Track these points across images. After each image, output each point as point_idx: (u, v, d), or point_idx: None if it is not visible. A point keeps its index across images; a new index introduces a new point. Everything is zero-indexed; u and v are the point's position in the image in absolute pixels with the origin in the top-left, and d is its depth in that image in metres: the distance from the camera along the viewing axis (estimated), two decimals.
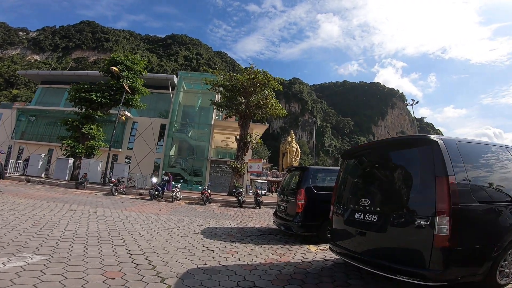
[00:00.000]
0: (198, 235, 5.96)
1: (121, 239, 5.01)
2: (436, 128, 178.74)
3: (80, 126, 20.65)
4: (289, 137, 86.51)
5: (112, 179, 15.00)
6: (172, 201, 13.17)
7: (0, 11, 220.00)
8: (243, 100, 20.43)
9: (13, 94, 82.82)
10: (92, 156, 21.53)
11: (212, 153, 27.97)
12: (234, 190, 14.43)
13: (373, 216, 3.24)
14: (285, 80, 21.09)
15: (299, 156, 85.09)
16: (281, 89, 21.51)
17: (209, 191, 13.86)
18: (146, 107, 30.66)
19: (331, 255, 4.91)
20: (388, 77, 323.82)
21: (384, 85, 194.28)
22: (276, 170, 72.06)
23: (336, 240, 4.01)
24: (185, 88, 32.24)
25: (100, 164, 19.95)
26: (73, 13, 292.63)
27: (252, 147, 21.42)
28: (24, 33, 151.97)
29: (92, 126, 20.94)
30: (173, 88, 30.45)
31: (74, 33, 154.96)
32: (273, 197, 24.65)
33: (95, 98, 20.68)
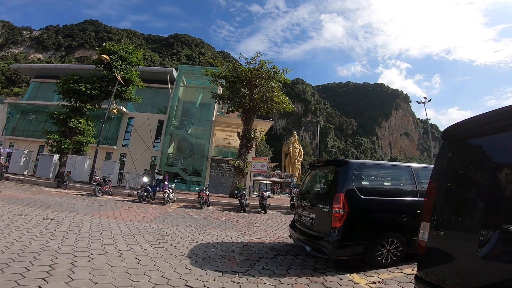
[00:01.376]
0: (183, 259, 3.98)
1: (50, 265, 3.06)
2: (441, 129, 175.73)
3: (67, 120, 18.83)
4: (292, 137, 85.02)
5: (97, 177, 13.09)
6: (164, 204, 11.22)
7: (5, 10, 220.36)
8: (247, 92, 18.48)
9: (14, 92, 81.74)
10: (83, 153, 19.71)
11: (212, 152, 26.03)
12: (236, 192, 12.50)
13: None
14: (288, 80, 19.17)
15: (301, 157, 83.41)
16: (288, 81, 19.57)
17: (207, 192, 11.90)
18: (142, 101, 29.09)
19: None
20: (392, 78, 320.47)
21: (388, 86, 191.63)
22: (279, 171, 70.14)
23: (437, 275, 2.08)
24: (185, 83, 30.46)
25: (88, 161, 18.06)
26: (77, 13, 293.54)
27: (256, 144, 19.44)
28: (28, 32, 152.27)
29: (80, 120, 19.06)
30: (172, 83, 28.63)
31: (77, 32, 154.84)
32: (278, 199, 22.62)
33: (84, 90, 18.86)
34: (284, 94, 19.96)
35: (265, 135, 20.76)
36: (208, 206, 12.13)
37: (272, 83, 18.51)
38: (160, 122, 27.20)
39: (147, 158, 25.27)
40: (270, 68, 18.66)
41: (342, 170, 4.08)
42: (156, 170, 16.46)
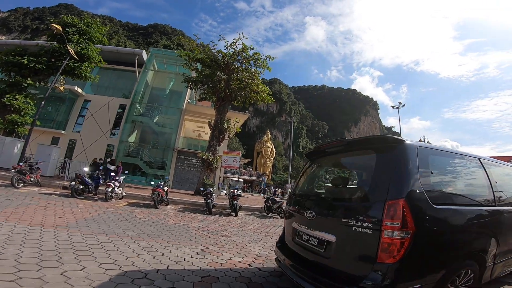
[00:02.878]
0: None
1: None
2: (404, 137, 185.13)
3: (1, 95, 15.46)
4: (265, 136, 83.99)
5: (21, 164, 10.16)
6: (106, 201, 8.75)
7: None
8: (224, 76, 16.34)
9: None
10: (22, 136, 16.40)
11: (180, 143, 23.38)
12: (202, 189, 10.37)
13: None
14: (270, 69, 17.31)
15: (273, 156, 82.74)
16: (270, 70, 17.66)
17: (165, 188, 9.61)
18: (104, 83, 25.74)
19: None
20: (364, 85, 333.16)
21: (360, 92, 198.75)
22: (250, 169, 68.48)
23: None
24: (156, 67, 27.54)
25: (19, 145, 14.73)
26: None
27: (229, 136, 17.35)
28: None
29: (17, 96, 15.70)
30: (140, 66, 25.54)
31: (48, 15, 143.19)
32: (250, 199, 20.64)
33: (26, 63, 15.66)
34: (264, 84, 18.20)
35: (240, 128, 18.68)
36: (166, 204, 9.86)
37: (252, 69, 16.60)
38: (123, 108, 23.99)
39: (102, 147, 21.97)
40: (252, 55, 16.68)
41: (395, 158, 2.19)
42: (109, 160, 13.72)
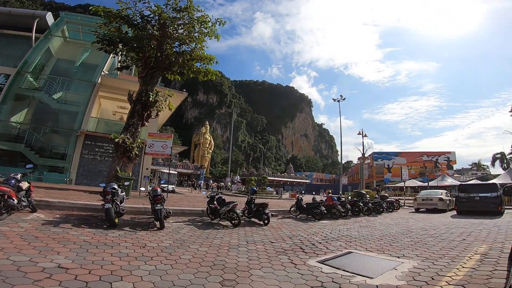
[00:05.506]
0: None
1: None
2: (331, 134, 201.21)
3: None
4: (203, 127, 79.24)
5: None
6: None
7: None
8: (156, 33, 11.90)
9: None
10: None
11: (91, 125, 17.76)
12: (103, 185, 6.30)
13: None
14: (219, 37, 13.16)
15: (211, 149, 78.77)
16: (218, 39, 13.59)
17: (24, 184, 5.34)
18: None
19: None
20: (302, 84, 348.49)
21: (297, 90, 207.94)
22: (187, 162, 63.14)
23: None
24: (67, 35, 21.11)
25: None
26: None
27: (157, 113, 13.04)
28: None
29: None
30: (42, 32, 19.00)
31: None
32: (187, 196, 16.73)
33: None
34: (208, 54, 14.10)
35: (173, 106, 14.50)
36: (32, 211, 5.60)
37: (195, 27, 12.46)
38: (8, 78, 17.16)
39: None
40: (198, 17, 12.43)
41: None
42: None
